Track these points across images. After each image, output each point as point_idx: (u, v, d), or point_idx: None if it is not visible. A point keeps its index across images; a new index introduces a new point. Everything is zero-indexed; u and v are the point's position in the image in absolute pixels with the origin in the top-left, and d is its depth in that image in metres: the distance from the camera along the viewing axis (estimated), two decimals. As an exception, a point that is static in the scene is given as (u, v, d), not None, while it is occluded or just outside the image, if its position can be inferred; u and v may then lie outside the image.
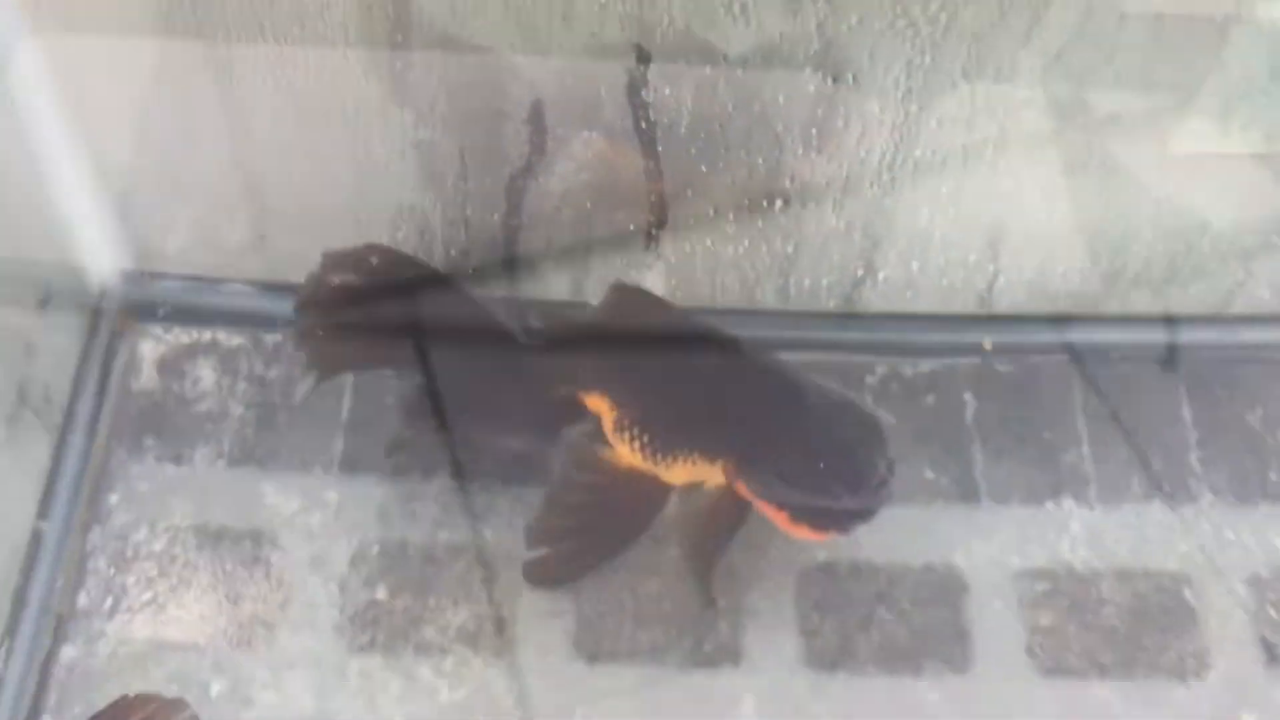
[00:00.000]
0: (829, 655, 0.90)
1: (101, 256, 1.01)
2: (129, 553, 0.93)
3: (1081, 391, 1.02)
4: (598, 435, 0.91)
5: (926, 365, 1.03)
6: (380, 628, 0.90)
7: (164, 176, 0.99)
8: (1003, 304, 1.03)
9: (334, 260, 0.92)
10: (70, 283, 1.00)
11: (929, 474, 0.99)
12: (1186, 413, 1.02)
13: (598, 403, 0.91)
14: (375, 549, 0.94)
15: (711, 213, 0.96)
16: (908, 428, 1.00)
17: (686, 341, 0.94)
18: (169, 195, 1.00)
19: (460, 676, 0.89)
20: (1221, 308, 1.03)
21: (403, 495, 0.96)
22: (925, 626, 0.92)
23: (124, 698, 0.74)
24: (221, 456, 0.97)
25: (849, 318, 1.04)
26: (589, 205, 0.97)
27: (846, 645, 0.91)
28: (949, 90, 0.88)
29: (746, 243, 0.97)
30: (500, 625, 0.91)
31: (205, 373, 1.01)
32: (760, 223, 0.97)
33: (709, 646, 0.90)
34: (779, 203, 0.95)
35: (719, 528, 0.91)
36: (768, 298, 1.01)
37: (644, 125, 0.91)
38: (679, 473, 0.90)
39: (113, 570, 0.92)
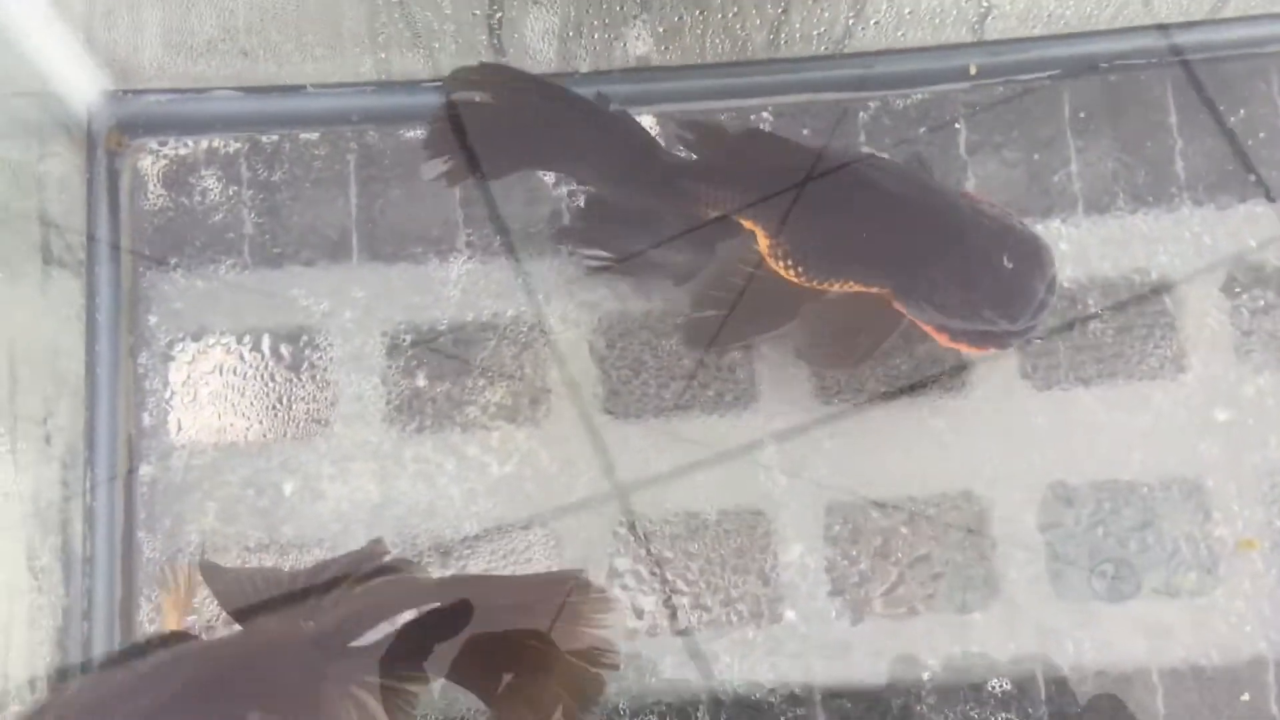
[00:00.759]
0: (835, 389, 0.99)
1: (80, 80, 0.99)
2: (180, 370, 0.99)
3: (1070, 108, 1.04)
4: (752, 252, 0.92)
5: (918, 95, 1.04)
6: (426, 414, 0.98)
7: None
8: (994, 31, 1.02)
9: (460, 79, 0.91)
10: (57, 112, 0.99)
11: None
12: (1173, 119, 1.04)
13: (752, 226, 0.91)
14: (408, 338, 0.99)
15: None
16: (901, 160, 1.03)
17: (837, 169, 0.91)
18: (128, 3, 0.97)
19: (507, 451, 0.98)
20: (1213, 13, 1.02)
21: (424, 281, 1.00)
22: (928, 355, 1.00)
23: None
24: (245, 268, 1.00)
25: (838, 58, 1.03)
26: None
27: (854, 378, 0.99)
28: None
29: (735, 8, 0.95)
30: (535, 398, 0.99)
31: (211, 183, 1.02)
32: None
33: (729, 396, 0.99)
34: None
35: (873, 335, 0.93)
36: (757, 53, 1.00)
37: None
38: (836, 292, 0.92)
39: (168, 389, 0.98)
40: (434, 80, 1.02)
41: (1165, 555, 0.96)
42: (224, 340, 0.99)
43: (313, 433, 0.97)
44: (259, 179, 1.02)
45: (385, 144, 1.02)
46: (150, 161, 1.02)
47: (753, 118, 1.03)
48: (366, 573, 0.84)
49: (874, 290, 0.90)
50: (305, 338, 0.99)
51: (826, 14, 0.95)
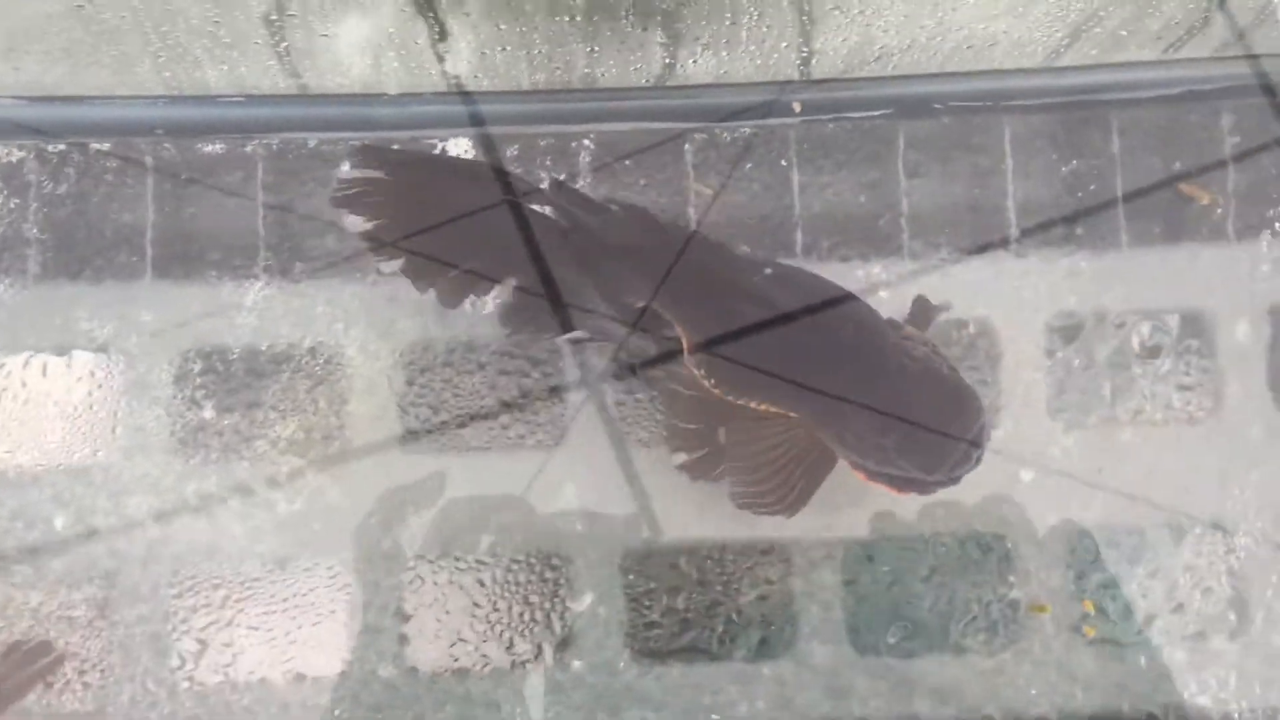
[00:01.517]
0: (646, 440, 0.97)
1: None
2: (-50, 391, 0.95)
3: (904, 149, 1.01)
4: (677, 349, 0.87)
5: (745, 129, 1.01)
6: (212, 447, 0.94)
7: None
8: (821, 69, 0.98)
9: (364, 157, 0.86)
10: None
11: (742, 248, 0.98)
12: (1007, 165, 1.01)
13: (679, 327, 0.86)
14: (197, 366, 0.95)
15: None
16: (736, 194, 1.00)
17: (760, 283, 0.86)
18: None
19: (296, 488, 0.94)
20: (1048, 61, 0.99)
21: (217, 306, 0.96)
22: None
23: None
24: (26, 286, 0.95)
25: (662, 89, 0.99)
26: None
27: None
28: None
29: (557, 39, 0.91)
30: (329, 434, 0.95)
31: (-8, 193, 0.96)
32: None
33: (532, 440, 0.96)
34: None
35: (811, 472, 0.87)
36: (576, 81, 0.96)
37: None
38: (754, 407, 0.87)
39: (-65, 412, 0.94)
40: (237, 95, 0.97)
41: (958, 615, 0.96)
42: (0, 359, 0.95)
43: (88, 464, 0.94)
44: (44, 191, 0.97)
45: (183, 158, 0.97)
46: (-73, 168, 0.97)
47: (573, 144, 0.99)
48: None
49: (791, 416, 0.85)
50: (88, 360, 0.95)
51: (640, 54, 0.91)
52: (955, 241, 1.00)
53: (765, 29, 0.93)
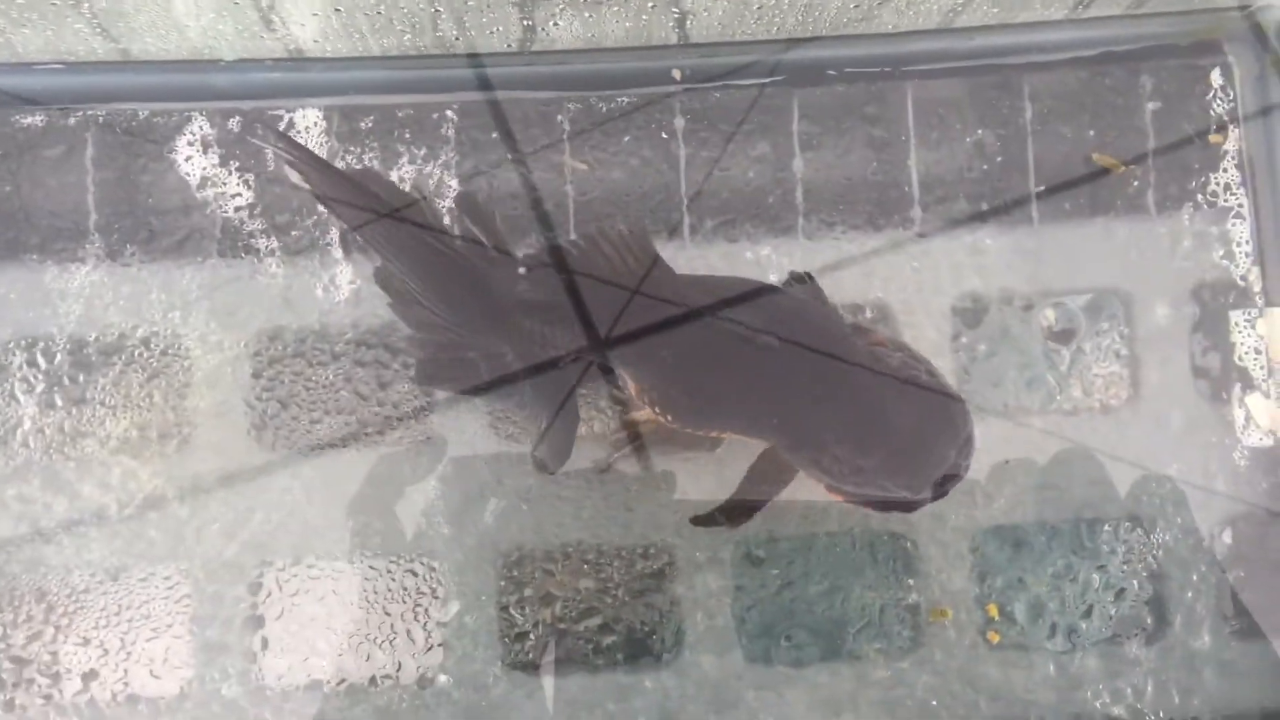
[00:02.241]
0: (510, 433, 0.89)
1: None
2: None
3: (798, 119, 0.93)
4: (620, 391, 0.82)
5: (622, 98, 0.93)
6: (33, 447, 0.86)
7: None
8: (698, 33, 0.90)
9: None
10: None
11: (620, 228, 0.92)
12: (909, 137, 0.94)
13: (620, 369, 0.79)
14: (17, 359, 0.87)
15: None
16: (613, 170, 0.92)
17: (701, 306, 0.77)
18: None
19: (129, 491, 0.86)
20: (945, 22, 0.91)
21: (39, 293, 0.88)
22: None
23: None
24: None
25: (530, 54, 0.91)
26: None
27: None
28: None
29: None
30: (165, 432, 0.87)
31: None
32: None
33: (393, 436, 0.89)
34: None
35: (766, 483, 0.81)
36: (430, 46, 0.88)
37: None
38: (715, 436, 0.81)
39: None
40: (53, 62, 0.88)
41: (853, 620, 0.89)
42: None
43: (-104, 469, 0.86)
44: None
45: None
46: None
47: (434, 116, 0.91)
48: None
49: (756, 441, 0.79)
50: (-101, 355, 0.87)
51: (493, 15, 0.83)
52: (851, 219, 0.92)
53: (629, -15, 0.85)
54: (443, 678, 0.87)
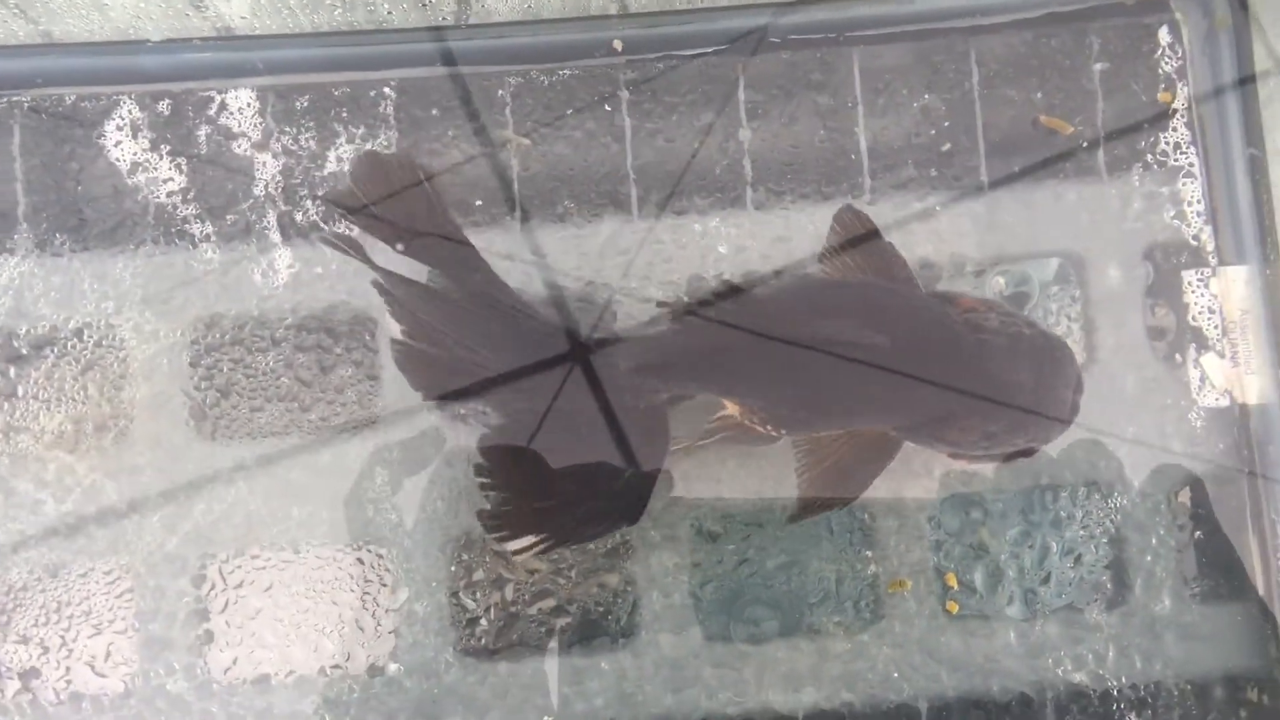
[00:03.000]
0: (462, 415, 0.88)
1: None
2: None
3: (744, 89, 0.92)
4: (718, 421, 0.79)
5: (564, 71, 0.91)
6: (-35, 444, 0.84)
7: None
8: (637, 3, 0.88)
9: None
10: None
11: (566, 203, 0.90)
12: (857, 106, 0.93)
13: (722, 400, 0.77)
14: (-50, 354, 0.85)
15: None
16: (557, 144, 0.90)
17: (797, 311, 0.76)
18: None
19: (65, 486, 0.84)
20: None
21: (-22, 285, 0.86)
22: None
23: None
24: None
25: (467, 28, 0.89)
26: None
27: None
28: None
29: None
30: (102, 425, 0.85)
31: None
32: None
33: (336, 421, 0.87)
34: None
35: (873, 464, 0.80)
36: (360, 20, 0.86)
37: None
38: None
39: None
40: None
41: (812, 594, 0.87)
42: None
43: None
44: None
45: (-76, 119, 0.87)
46: None
47: (372, 93, 0.89)
48: None
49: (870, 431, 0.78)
50: None
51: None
52: (800, 188, 0.91)
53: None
54: (393, 666, 0.85)
